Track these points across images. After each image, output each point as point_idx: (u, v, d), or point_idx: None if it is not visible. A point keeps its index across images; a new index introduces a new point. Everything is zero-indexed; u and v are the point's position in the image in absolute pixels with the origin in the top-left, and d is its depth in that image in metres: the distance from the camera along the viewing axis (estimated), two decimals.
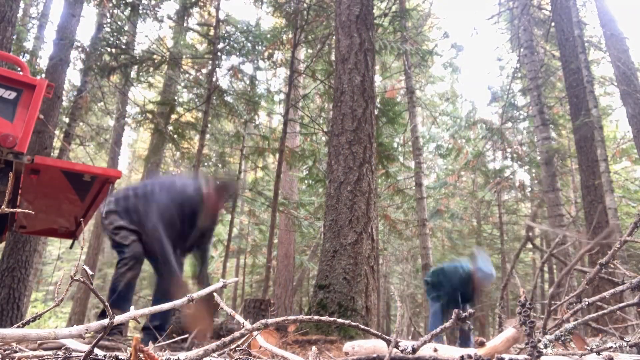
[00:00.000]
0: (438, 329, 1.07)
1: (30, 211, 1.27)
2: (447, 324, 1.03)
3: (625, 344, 1.22)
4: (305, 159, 8.82)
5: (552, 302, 1.51)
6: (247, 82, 9.04)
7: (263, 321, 1.06)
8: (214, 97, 7.98)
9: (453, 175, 13.78)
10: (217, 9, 8.12)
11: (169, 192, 2.69)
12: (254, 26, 8.24)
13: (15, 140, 1.87)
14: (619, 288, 1.35)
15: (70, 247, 2.93)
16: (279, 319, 1.14)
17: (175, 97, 9.98)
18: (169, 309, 1.42)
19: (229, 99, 8.38)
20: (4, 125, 1.90)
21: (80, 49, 7.17)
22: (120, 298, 2.59)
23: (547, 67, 10.90)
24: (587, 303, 1.35)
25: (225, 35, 8.01)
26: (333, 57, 7.50)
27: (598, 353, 1.16)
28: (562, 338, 1.30)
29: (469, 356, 0.93)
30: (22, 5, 7.84)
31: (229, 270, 14.88)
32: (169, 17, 8.29)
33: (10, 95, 1.96)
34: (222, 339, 1.12)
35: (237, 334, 1.11)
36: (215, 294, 1.82)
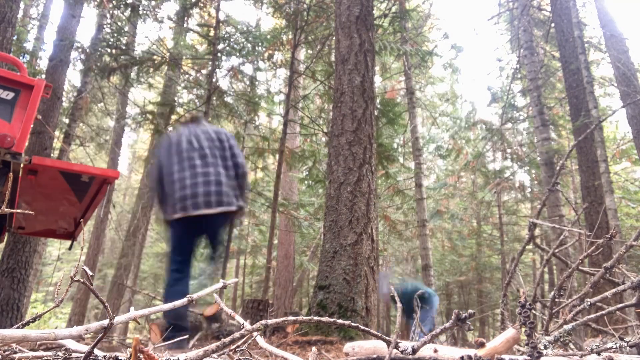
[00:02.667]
0: (438, 330, 1.07)
1: (28, 212, 1.26)
2: (447, 324, 1.02)
3: (625, 344, 1.21)
4: (305, 160, 8.81)
5: (554, 303, 1.51)
6: (247, 82, 9.03)
7: (263, 322, 1.06)
8: (214, 98, 7.98)
9: (453, 176, 13.80)
10: (217, 9, 8.12)
11: None
12: (254, 27, 8.24)
13: (13, 140, 1.86)
14: (620, 288, 1.34)
15: (70, 248, 2.92)
16: (279, 320, 1.13)
17: (175, 98, 9.98)
18: (169, 309, 1.42)
19: (229, 99, 8.38)
20: (2, 126, 1.90)
21: (80, 50, 7.16)
22: None
23: (547, 67, 10.89)
24: (589, 304, 1.35)
25: (225, 36, 8.00)
26: (333, 58, 7.50)
27: (598, 354, 1.16)
28: (562, 339, 1.30)
29: (469, 357, 0.93)
30: (22, 6, 7.84)
31: (229, 271, 14.86)
32: (169, 18, 8.29)
33: (8, 95, 1.95)
34: (222, 339, 1.12)
35: (237, 334, 1.10)
36: (215, 294, 1.82)
